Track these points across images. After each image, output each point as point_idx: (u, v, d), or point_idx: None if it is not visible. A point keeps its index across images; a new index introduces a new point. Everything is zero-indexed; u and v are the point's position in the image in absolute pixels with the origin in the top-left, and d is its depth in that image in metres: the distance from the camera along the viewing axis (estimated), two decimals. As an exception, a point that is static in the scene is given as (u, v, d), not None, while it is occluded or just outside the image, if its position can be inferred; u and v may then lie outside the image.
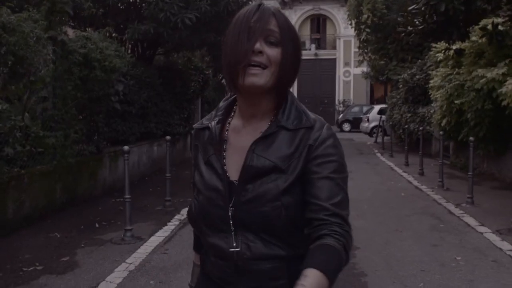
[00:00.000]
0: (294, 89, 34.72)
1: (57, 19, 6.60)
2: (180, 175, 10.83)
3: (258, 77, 1.34)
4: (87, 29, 10.79)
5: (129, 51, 11.21)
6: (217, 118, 1.49)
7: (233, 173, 1.40)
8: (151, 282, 4.57)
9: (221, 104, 1.52)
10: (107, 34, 8.42)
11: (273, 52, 1.36)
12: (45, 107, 6.90)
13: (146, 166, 10.79)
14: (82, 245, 5.66)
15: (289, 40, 1.39)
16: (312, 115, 1.43)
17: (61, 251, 5.43)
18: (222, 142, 1.45)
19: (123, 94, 8.68)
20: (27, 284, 4.45)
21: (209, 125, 1.48)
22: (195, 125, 1.55)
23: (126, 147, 6.02)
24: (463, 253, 5.50)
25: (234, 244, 1.37)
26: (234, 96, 1.50)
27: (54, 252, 5.37)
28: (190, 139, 14.52)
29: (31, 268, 4.84)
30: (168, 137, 7.96)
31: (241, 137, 1.44)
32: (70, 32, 9.94)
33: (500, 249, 5.67)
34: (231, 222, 1.38)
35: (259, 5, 1.42)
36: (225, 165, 1.43)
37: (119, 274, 4.75)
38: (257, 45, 1.34)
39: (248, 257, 1.37)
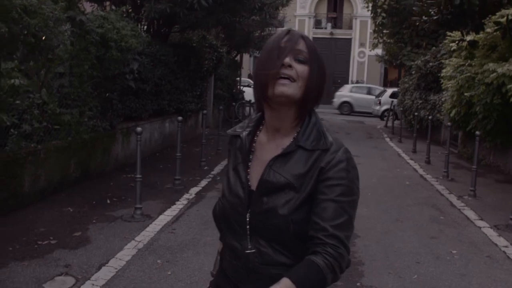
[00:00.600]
0: (308, 68, 34.66)
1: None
2: (190, 153, 11.07)
3: (287, 87, 1.49)
4: (105, 3, 10.97)
5: (145, 27, 11.36)
6: (248, 129, 1.64)
7: (254, 183, 1.55)
8: (158, 261, 4.82)
9: (253, 116, 1.68)
10: (124, 13, 8.53)
11: (301, 68, 1.52)
12: (62, 84, 7.10)
13: (158, 142, 11.03)
14: (94, 221, 5.92)
15: (315, 61, 1.55)
16: (330, 138, 1.54)
17: (73, 225, 5.69)
18: (249, 153, 1.60)
19: (137, 72, 8.85)
20: (42, 257, 4.71)
21: (241, 135, 1.63)
22: (229, 131, 1.69)
23: (139, 129, 6.22)
24: (459, 247, 5.70)
25: (249, 247, 1.53)
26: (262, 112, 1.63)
27: (67, 227, 5.63)
28: (201, 116, 14.70)
29: (46, 242, 5.11)
30: (180, 118, 8.14)
31: (264, 151, 1.57)
32: (88, 7, 10.10)
33: (496, 244, 5.85)
34: (247, 227, 1.53)
35: (289, 30, 1.60)
36: (248, 174, 1.58)
37: (128, 251, 5.00)
38: (287, 59, 1.50)
39: (258, 261, 1.52)
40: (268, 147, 1.58)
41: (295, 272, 1.43)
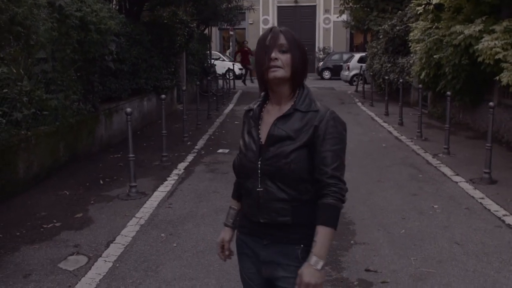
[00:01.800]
0: (274, 37, 34.66)
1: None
2: (170, 129, 11.18)
3: (277, 73, 2.03)
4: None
5: (117, 7, 11.34)
6: (257, 103, 2.18)
7: (263, 139, 2.08)
8: (162, 235, 5.07)
9: (262, 94, 2.21)
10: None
11: (285, 57, 2.04)
12: (44, 70, 7.16)
13: (138, 121, 11.14)
14: (92, 202, 6.12)
15: (295, 48, 2.07)
16: (318, 103, 2.10)
17: (73, 208, 5.88)
18: (259, 119, 2.14)
19: (115, 53, 8.93)
20: (50, 240, 4.91)
21: (253, 107, 2.18)
22: (245, 107, 2.24)
23: (128, 109, 6.40)
24: (439, 202, 6.11)
25: (259, 186, 2.04)
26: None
27: (68, 209, 5.82)
28: (177, 91, 14.82)
29: (50, 225, 5.30)
30: (163, 96, 8.30)
31: (270, 116, 2.11)
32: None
33: (473, 197, 6.28)
34: (258, 171, 2.04)
35: (271, 28, 2.11)
36: (259, 134, 2.10)
37: (132, 228, 5.24)
38: (273, 54, 2.03)
39: (265, 197, 2.03)
40: (273, 113, 2.11)
41: (321, 218, 1.96)
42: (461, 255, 4.56)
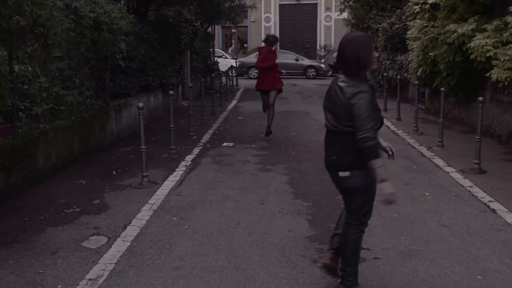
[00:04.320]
0: (276, 34, 35.14)
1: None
2: (176, 124, 11.65)
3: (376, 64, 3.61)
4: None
5: (125, 7, 11.78)
6: (368, 83, 3.61)
7: None
8: (174, 218, 5.53)
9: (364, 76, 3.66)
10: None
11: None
12: (59, 67, 7.62)
13: (145, 116, 11.55)
14: (107, 190, 6.58)
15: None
16: None
17: (90, 195, 6.34)
18: None
19: (125, 52, 9.38)
20: (72, 223, 5.38)
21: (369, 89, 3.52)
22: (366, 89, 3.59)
23: (141, 104, 6.85)
24: (431, 190, 6.56)
25: None
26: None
27: (85, 196, 6.28)
28: (181, 88, 15.28)
29: (71, 210, 5.77)
30: (171, 92, 8.75)
31: None
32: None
33: (462, 185, 6.73)
34: None
35: (367, 35, 3.78)
36: None
37: (145, 213, 5.70)
38: (375, 53, 3.54)
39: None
40: None
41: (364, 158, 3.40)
42: (447, 236, 5.01)
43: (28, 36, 5.84)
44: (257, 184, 6.89)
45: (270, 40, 10.32)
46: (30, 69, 6.94)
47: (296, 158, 8.50)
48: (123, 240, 4.90)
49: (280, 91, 10.38)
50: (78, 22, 7.43)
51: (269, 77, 10.10)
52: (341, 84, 3.50)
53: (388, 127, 11.47)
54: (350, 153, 3.47)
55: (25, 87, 6.62)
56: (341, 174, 3.55)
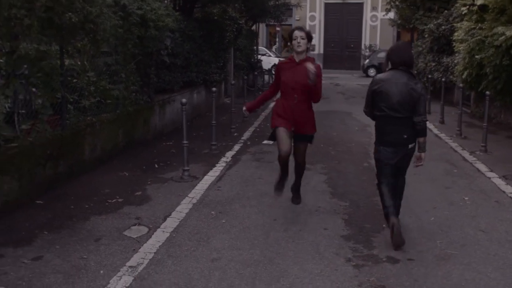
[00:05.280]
0: (320, 33, 35.05)
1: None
2: (218, 121, 11.83)
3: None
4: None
5: (171, 5, 12.02)
6: None
7: None
8: (212, 212, 5.67)
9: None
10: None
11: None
12: (106, 62, 7.88)
13: (188, 112, 11.75)
14: (149, 182, 6.78)
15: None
16: None
17: (133, 187, 6.56)
18: None
19: (170, 48, 9.60)
20: (115, 212, 5.59)
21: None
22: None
23: (184, 100, 7.05)
24: (470, 194, 6.49)
25: None
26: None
27: (128, 188, 6.50)
28: (224, 85, 15.47)
29: (114, 200, 5.98)
30: (214, 89, 8.91)
31: None
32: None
33: (504, 192, 6.62)
34: None
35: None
36: None
37: (185, 206, 5.86)
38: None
39: None
40: None
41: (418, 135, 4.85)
42: (484, 241, 4.97)
43: (79, 32, 6.08)
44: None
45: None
46: (79, 63, 7.22)
47: (335, 158, 8.53)
48: (163, 231, 5.07)
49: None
50: (126, 19, 7.67)
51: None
52: (411, 82, 4.76)
53: (431, 130, 11.32)
54: (413, 131, 4.81)
55: (74, 80, 6.89)
56: (410, 146, 4.89)
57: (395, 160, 4.90)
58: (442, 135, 10.64)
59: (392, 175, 4.98)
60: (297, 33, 5.15)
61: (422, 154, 4.93)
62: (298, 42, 5.11)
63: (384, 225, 5.36)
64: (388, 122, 4.81)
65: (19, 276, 4.06)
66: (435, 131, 11.21)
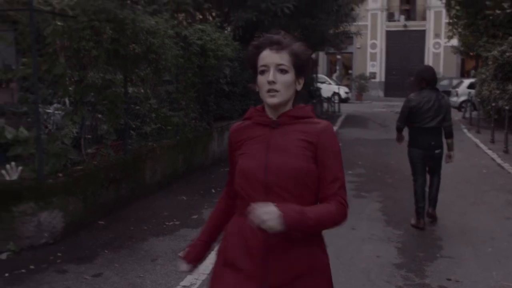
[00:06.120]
0: (382, 61, 34.84)
1: (182, 16, 7.86)
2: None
3: None
4: (196, 12, 12.16)
5: (231, 34, 12.41)
6: None
7: None
8: (265, 237, 5.76)
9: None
10: (217, 23, 9.60)
11: None
12: (169, 91, 8.24)
13: (246, 139, 12.06)
14: (205, 206, 6.98)
15: None
16: None
17: (190, 210, 6.77)
18: None
19: (229, 77, 9.91)
20: (171, 234, 5.80)
21: None
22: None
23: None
24: (532, 226, 6.27)
25: None
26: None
27: (185, 211, 6.72)
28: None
29: (171, 223, 6.21)
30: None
31: None
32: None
33: None
34: None
35: None
36: None
37: (239, 230, 5.99)
38: None
39: None
40: None
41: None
42: (544, 274, 4.80)
43: (142, 61, 6.44)
44: (350, 210, 6.93)
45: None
46: (142, 91, 7.60)
47: (392, 186, 8.45)
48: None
49: None
50: (187, 49, 8.02)
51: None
52: (439, 97, 5.93)
53: (494, 159, 11.01)
54: (439, 138, 6.02)
55: (137, 107, 7.26)
56: (437, 151, 6.02)
57: (424, 160, 6.09)
58: (506, 165, 10.31)
59: (422, 173, 6.16)
60: (267, 56, 2.05)
61: (451, 152, 6.18)
62: (272, 81, 2.03)
63: (438, 254, 5.29)
64: (420, 131, 5.96)
65: (80, 291, 4.30)
66: (498, 160, 10.88)
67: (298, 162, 2.02)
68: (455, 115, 21.72)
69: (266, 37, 2.06)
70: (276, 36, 2.05)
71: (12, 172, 5.78)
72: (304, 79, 2.12)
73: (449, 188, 8.02)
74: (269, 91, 2.02)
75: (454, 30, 20.50)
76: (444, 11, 27.47)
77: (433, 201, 6.31)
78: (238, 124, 2.24)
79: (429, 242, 5.62)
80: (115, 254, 5.15)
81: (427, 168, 6.24)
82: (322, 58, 31.34)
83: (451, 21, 20.22)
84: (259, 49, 2.06)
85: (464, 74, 32.50)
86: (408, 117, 6.05)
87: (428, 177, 6.31)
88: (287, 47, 2.03)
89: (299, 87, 2.11)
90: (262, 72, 2.04)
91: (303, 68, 2.09)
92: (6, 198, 5.18)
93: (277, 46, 2.03)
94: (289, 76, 2.04)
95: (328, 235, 5.82)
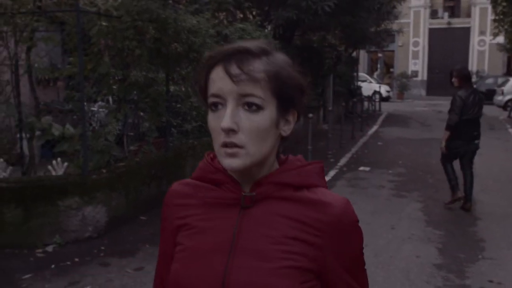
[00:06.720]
0: (424, 59, 34.24)
1: (223, 15, 7.94)
2: (315, 146, 11.92)
3: None
4: (237, 11, 12.25)
5: (272, 32, 12.45)
6: None
7: None
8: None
9: None
10: (258, 22, 9.64)
11: None
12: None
13: (285, 138, 12.09)
14: (244, 204, 7.04)
15: None
16: None
17: (229, 207, 6.84)
18: None
19: (269, 75, 9.95)
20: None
21: None
22: None
23: (279, 125, 7.26)
24: None
25: None
26: None
27: (224, 208, 6.80)
28: (323, 111, 15.61)
29: (210, 219, 6.29)
30: (310, 115, 9.09)
31: None
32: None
33: None
34: None
35: None
36: None
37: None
38: None
39: None
40: None
41: None
42: None
43: (183, 60, 6.55)
44: (389, 209, 6.91)
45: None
46: (183, 89, 7.72)
47: (433, 186, 8.33)
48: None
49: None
50: (228, 48, 8.09)
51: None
52: (478, 93, 6.72)
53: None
54: (479, 129, 6.74)
55: (178, 106, 7.38)
56: (476, 141, 6.67)
57: (460, 150, 6.70)
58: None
59: (451, 161, 6.89)
60: (222, 79, 1.05)
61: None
62: (228, 129, 1.05)
63: (480, 256, 5.20)
64: (467, 123, 6.56)
65: (122, 283, 4.43)
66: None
67: (283, 283, 1.04)
68: (500, 114, 21.25)
69: (227, 46, 1.10)
70: (244, 44, 1.09)
71: (58, 168, 5.99)
72: (299, 114, 1.21)
73: (493, 189, 7.86)
74: (225, 145, 1.06)
75: (500, 27, 19.95)
76: (490, 8, 26.80)
77: (469, 196, 6.75)
78: (185, 181, 1.28)
79: (471, 244, 5.53)
80: (155, 248, 5.24)
81: (461, 162, 6.85)
82: (363, 56, 31.02)
83: (497, 17, 19.68)
84: (211, 65, 1.08)
85: (510, 72, 31.59)
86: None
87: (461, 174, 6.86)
88: (262, 61, 1.06)
89: (287, 132, 1.16)
90: (214, 107, 1.09)
91: (293, 98, 1.15)
92: (52, 193, 5.37)
93: (242, 60, 1.04)
94: (264, 116, 1.06)
95: (367, 234, 5.82)
